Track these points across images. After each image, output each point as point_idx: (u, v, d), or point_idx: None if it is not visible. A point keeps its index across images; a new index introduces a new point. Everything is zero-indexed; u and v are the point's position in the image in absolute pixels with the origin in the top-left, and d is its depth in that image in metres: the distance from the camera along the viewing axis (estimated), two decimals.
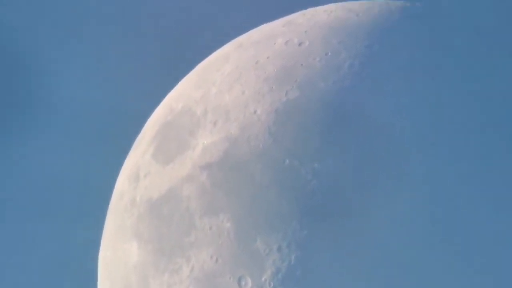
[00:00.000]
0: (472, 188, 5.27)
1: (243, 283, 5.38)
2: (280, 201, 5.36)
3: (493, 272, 5.21)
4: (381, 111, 5.46)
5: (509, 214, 5.28)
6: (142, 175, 6.16)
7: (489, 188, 5.30)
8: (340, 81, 5.65)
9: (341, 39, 5.93)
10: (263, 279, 5.33)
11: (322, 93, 5.62)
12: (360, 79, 5.64)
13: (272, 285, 5.31)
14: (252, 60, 6.12)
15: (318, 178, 5.34)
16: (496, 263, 5.22)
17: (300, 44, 6.03)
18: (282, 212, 5.33)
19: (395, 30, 5.98)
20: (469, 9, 6.21)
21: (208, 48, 6.92)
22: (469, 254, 5.18)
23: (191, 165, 5.79)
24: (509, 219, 5.27)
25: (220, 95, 6.00)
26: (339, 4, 6.50)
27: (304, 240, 5.26)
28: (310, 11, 6.54)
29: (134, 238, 5.98)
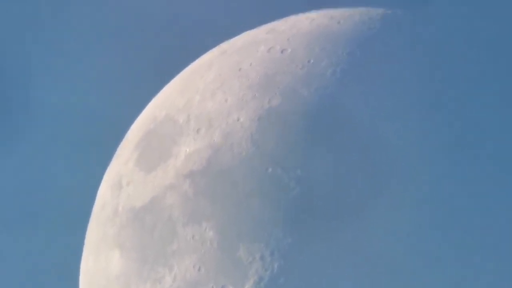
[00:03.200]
0: (471, 191, 5.23)
1: None
2: (263, 209, 5.34)
3: (495, 274, 5.17)
4: (363, 117, 5.46)
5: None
6: (125, 183, 6.13)
7: (492, 191, 5.26)
8: (323, 88, 5.65)
9: (323, 46, 5.93)
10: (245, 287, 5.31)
11: (305, 100, 5.61)
12: (343, 86, 5.64)
13: None
14: (235, 67, 6.11)
15: (301, 185, 5.33)
16: (498, 266, 5.18)
17: (282, 51, 6.03)
18: (265, 220, 5.31)
19: (376, 37, 5.99)
20: (449, 16, 6.23)
21: (192, 54, 6.91)
22: (471, 258, 5.14)
23: (174, 173, 5.77)
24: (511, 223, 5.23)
25: (203, 103, 5.98)
26: (321, 11, 6.50)
27: (287, 249, 5.24)
28: (292, 18, 6.54)
29: (117, 247, 5.95)
